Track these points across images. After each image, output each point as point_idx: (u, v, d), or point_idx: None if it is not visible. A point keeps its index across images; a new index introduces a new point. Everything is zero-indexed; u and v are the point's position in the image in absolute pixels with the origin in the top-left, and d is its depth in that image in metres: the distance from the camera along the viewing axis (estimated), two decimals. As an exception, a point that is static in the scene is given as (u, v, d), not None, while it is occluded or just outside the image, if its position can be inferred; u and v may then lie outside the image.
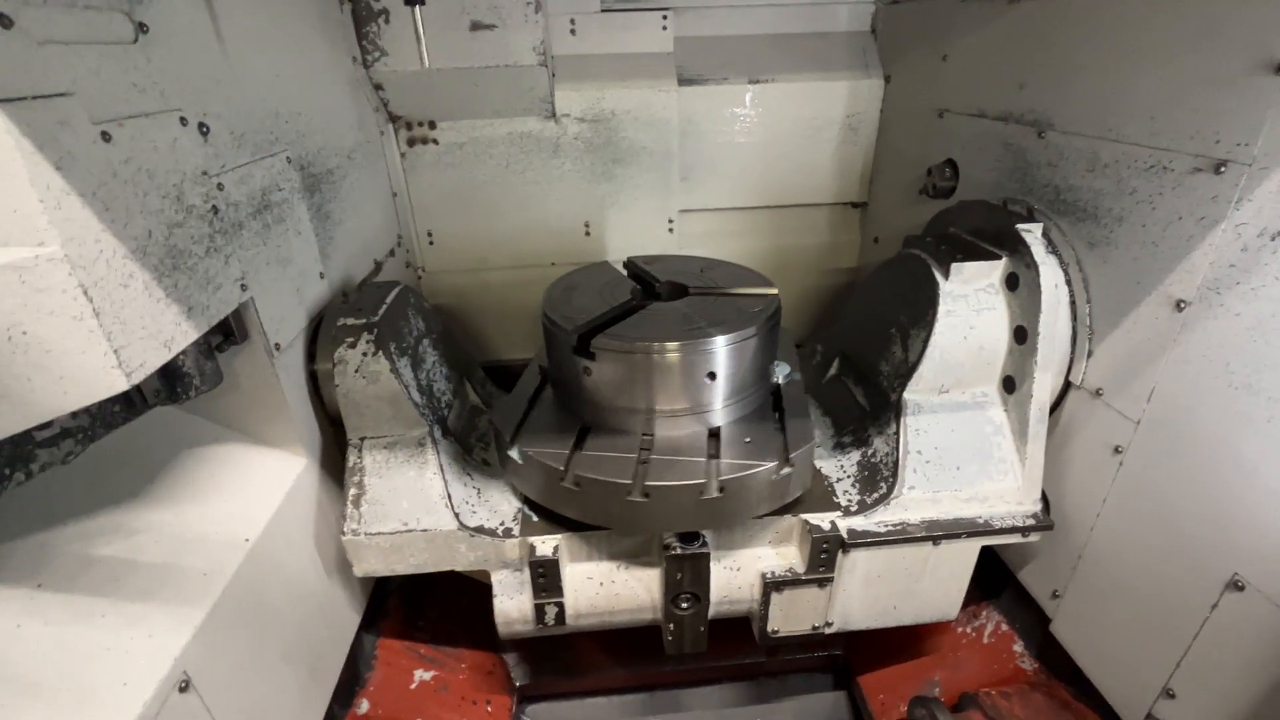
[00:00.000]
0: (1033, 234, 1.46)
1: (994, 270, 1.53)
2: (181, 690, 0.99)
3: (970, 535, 1.52)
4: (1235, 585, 1.15)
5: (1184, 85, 1.20)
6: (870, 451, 1.65)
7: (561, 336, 1.45)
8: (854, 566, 1.55)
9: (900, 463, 1.55)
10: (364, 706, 1.68)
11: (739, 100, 2.34)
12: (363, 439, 1.50)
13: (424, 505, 1.47)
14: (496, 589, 1.53)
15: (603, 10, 2.22)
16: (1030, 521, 1.52)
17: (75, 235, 0.84)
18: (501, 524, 1.52)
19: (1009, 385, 1.55)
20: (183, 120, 1.09)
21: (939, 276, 1.55)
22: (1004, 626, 1.84)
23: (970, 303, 1.54)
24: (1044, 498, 1.56)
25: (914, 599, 1.63)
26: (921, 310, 1.58)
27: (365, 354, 1.43)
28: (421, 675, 1.85)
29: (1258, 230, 1.08)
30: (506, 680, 1.97)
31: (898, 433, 1.57)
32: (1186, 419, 1.23)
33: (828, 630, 1.64)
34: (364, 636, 1.77)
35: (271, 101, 1.43)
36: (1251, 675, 1.13)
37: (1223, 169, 1.13)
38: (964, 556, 1.58)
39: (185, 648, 1.00)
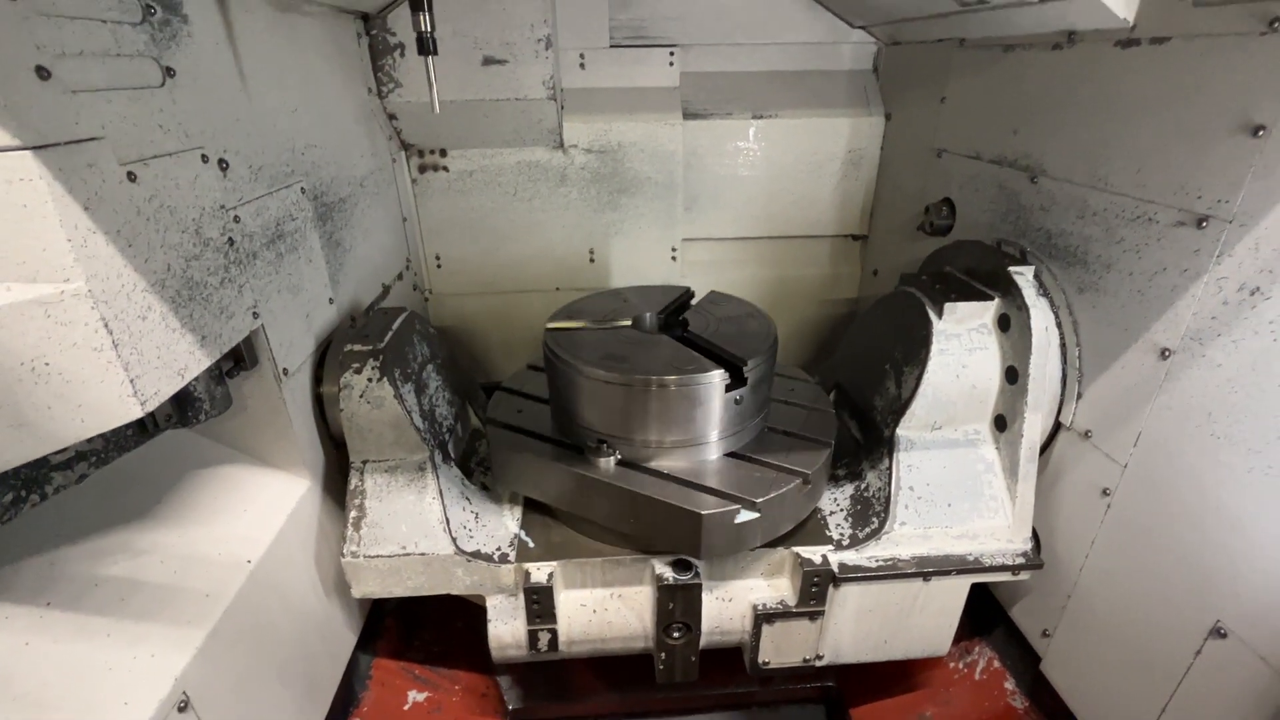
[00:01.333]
0: (1025, 276, 1.49)
1: (986, 311, 1.56)
2: (180, 710, 1.01)
3: (960, 572, 1.54)
4: (1218, 632, 1.16)
5: (1169, 141, 1.23)
6: (863, 485, 1.67)
7: (700, 381, 1.41)
8: (845, 600, 1.56)
9: (892, 498, 1.57)
10: (357, 727, 1.70)
11: (742, 134, 2.40)
12: (365, 462, 1.53)
13: (422, 529, 1.50)
14: (491, 614, 1.55)
15: (611, 46, 2.29)
16: (1020, 560, 1.54)
17: (99, 272, 0.89)
18: (498, 549, 1.55)
19: (1000, 424, 1.57)
20: (204, 157, 1.15)
21: (932, 315, 1.58)
22: (996, 664, 1.84)
23: (963, 342, 1.57)
24: (1035, 536, 1.58)
25: (905, 634, 1.64)
26: (915, 348, 1.61)
27: (370, 379, 1.47)
28: (415, 696, 1.86)
29: (1237, 285, 1.11)
30: (499, 703, 1.98)
31: (890, 468, 1.59)
32: (1171, 465, 1.25)
33: (818, 663, 1.65)
34: (360, 656, 1.79)
35: (289, 135, 1.49)
36: (1234, 723, 1.14)
37: (1204, 224, 1.16)
38: (954, 593, 1.59)
39: (186, 668, 1.03)
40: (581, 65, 2.29)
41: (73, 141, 0.87)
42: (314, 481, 1.52)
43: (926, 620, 1.63)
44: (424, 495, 1.52)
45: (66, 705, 0.94)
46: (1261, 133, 1.06)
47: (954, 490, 1.57)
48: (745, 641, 1.61)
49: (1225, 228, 1.13)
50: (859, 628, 1.61)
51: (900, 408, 1.61)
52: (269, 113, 1.41)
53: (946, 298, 1.56)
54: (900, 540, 1.55)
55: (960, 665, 1.91)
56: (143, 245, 0.97)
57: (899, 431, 1.60)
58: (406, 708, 1.83)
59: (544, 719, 2.04)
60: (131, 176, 0.97)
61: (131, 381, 0.93)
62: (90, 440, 1.07)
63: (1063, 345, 1.53)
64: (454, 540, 1.50)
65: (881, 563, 1.54)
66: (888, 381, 1.72)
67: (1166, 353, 1.25)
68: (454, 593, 1.55)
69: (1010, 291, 1.50)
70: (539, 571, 1.50)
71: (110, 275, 0.91)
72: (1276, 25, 1.03)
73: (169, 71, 1.09)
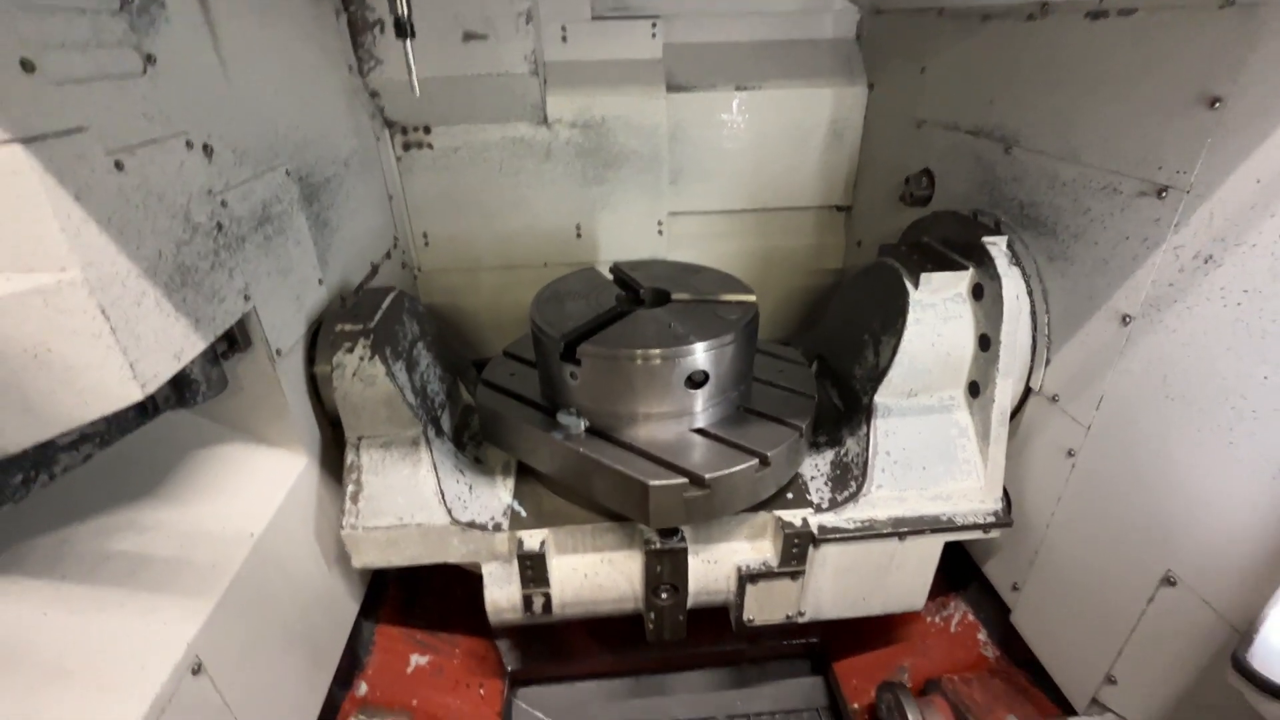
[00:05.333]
0: (998, 246, 1.53)
1: (961, 280, 1.61)
2: (194, 673, 1.08)
3: (934, 531, 1.61)
4: (1168, 581, 1.24)
5: (1134, 113, 1.27)
6: (843, 451, 1.74)
7: (549, 343, 1.53)
8: (825, 560, 1.64)
9: (870, 463, 1.63)
10: (363, 689, 1.79)
11: (726, 106, 2.40)
12: (360, 439, 1.58)
13: (418, 501, 1.56)
14: (487, 580, 1.62)
15: (593, 18, 2.28)
16: (991, 519, 1.61)
17: (93, 260, 0.92)
18: (492, 519, 1.61)
19: (974, 390, 1.63)
20: (188, 144, 1.16)
21: (909, 285, 1.62)
22: (970, 617, 1.94)
23: (938, 311, 1.62)
24: (1006, 496, 1.65)
25: (882, 591, 1.73)
26: (892, 318, 1.66)
27: (362, 358, 1.51)
28: (417, 660, 1.95)
29: (1193, 253, 1.16)
30: (499, 665, 2.07)
31: (868, 434, 1.65)
32: (1130, 426, 1.32)
33: (800, 619, 1.73)
34: (363, 623, 1.86)
35: (271, 118, 1.50)
36: (1181, 664, 1.23)
37: (1164, 194, 1.20)
38: (929, 551, 1.67)
39: (196, 634, 1.09)
40: (563, 38, 2.28)
41: (60, 133, 0.89)
42: (311, 458, 1.56)
43: (903, 577, 1.71)
44: (418, 469, 1.58)
45: (86, 670, 1.00)
46: (1218, 104, 1.10)
47: (929, 454, 1.64)
48: (731, 600, 1.69)
49: (1183, 198, 1.17)
50: (838, 585, 1.70)
51: (878, 376, 1.66)
52: (250, 96, 1.42)
53: (923, 268, 1.60)
54: (877, 503, 1.62)
55: (936, 619, 2.00)
56: (134, 233, 1.00)
57: (877, 399, 1.65)
58: (409, 671, 1.91)
59: (541, 678, 2.14)
60: (119, 165, 0.99)
61: (131, 365, 0.97)
62: (94, 423, 1.11)
63: (1033, 313, 1.58)
64: (449, 511, 1.56)
65: (859, 524, 1.61)
66: (867, 351, 1.77)
67: (1127, 319, 1.31)
68: (450, 561, 1.62)
69: (984, 261, 1.54)
70: (532, 539, 1.57)
71: (104, 263, 0.94)
72: (1234, -1, 1.06)
73: (149, 59, 1.10)
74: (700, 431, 1.57)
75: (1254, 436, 1.08)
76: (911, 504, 1.63)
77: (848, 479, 1.68)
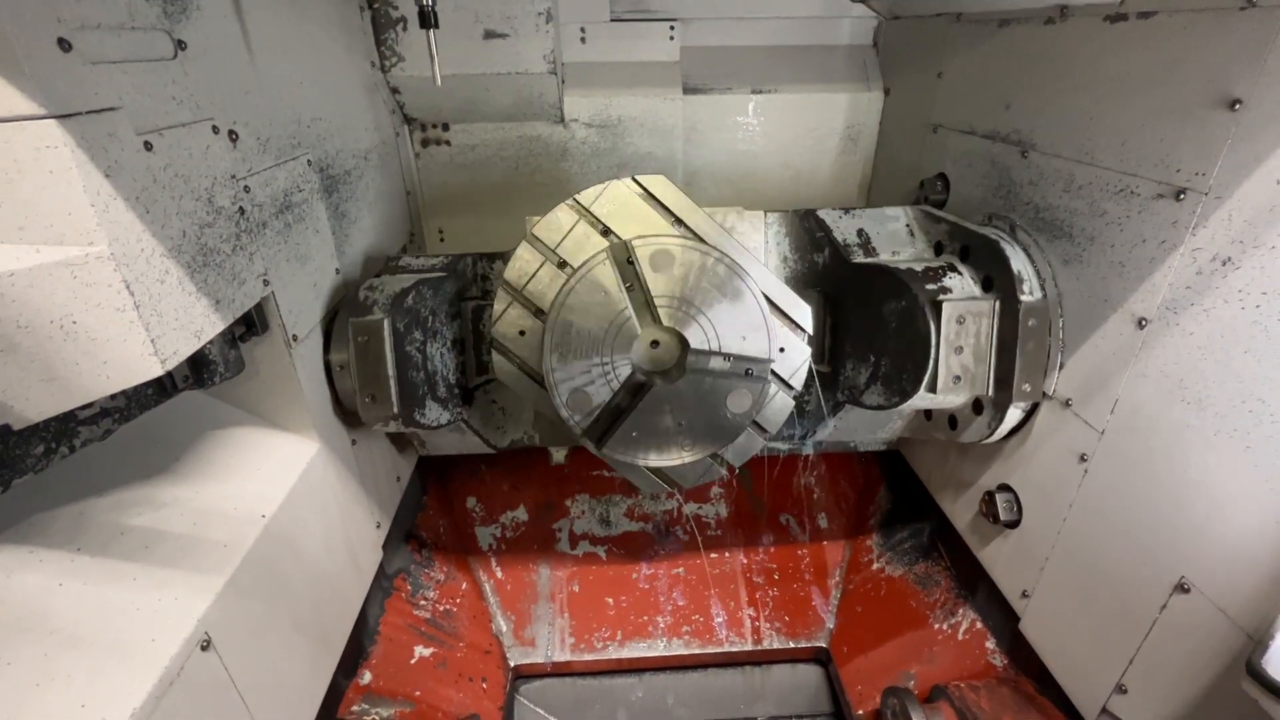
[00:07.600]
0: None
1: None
2: (203, 649, 1.09)
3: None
4: (1182, 588, 1.22)
5: (1152, 115, 1.26)
6: (806, 399, 1.94)
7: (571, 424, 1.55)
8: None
9: (818, 432, 1.97)
10: (366, 677, 1.79)
11: (742, 109, 2.42)
12: None
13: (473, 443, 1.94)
14: None
15: (612, 20, 2.30)
16: (882, 447, 2.14)
17: (120, 236, 0.94)
18: (524, 433, 1.97)
19: (927, 415, 1.77)
20: (215, 129, 1.19)
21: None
22: (978, 625, 1.92)
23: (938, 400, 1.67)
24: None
25: None
26: (900, 385, 1.66)
27: (397, 430, 1.63)
28: (421, 651, 1.95)
29: (1211, 255, 1.15)
30: (502, 660, 2.08)
31: (829, 420, 1.91)
32: (1144, 430, 1.30)
33: None
34: (368, 613, 1.87)
35: (295, 107, 1.53)
36: (1193, 672, 1.20)
37: (1182, 196, 1.20)
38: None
39: (207, 610, 1.11)
40: (582, 39, 2.31)
41: (93, 111, 0.92)
42: (323, 444, 1.58)
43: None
44: (464, 437, 1.82)
45: (98, 640, 1.01)
46: (1238, 106, 1.09)
47: (869, 421, 1.94)
48: None
49: (1201, 199, 1.16)
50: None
51: (859, 399, 1.76)
52: (276, 85, 1.44)
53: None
54: (809, 446, 2.05)
55: (944, 627, 1.98)
56: (160, 212, 1.02)
57: (849, 405, 1.78)
58: (413, 661, 1.92)
59: (544, 674, 2.13)
60: (148, 146, 1.01)
61: (152, 341, 0.99)
62: (114, 398, 1.13)
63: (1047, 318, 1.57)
64: (493, 446, 1.93)
65: (793, 445, 2.02)
66: (863, 367, 1.77)
67: (1143, 322, 1.29)
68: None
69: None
70: (558, 454, 2.00)
71: (130, 239, 0.96)
72: (1255, 0, 1.06)
73: (180, 44, 1.13)
74: None
75: (1271, 440, 1.07)
76: (835, 437, 2.02)
77: (798, 422, 1.96)
